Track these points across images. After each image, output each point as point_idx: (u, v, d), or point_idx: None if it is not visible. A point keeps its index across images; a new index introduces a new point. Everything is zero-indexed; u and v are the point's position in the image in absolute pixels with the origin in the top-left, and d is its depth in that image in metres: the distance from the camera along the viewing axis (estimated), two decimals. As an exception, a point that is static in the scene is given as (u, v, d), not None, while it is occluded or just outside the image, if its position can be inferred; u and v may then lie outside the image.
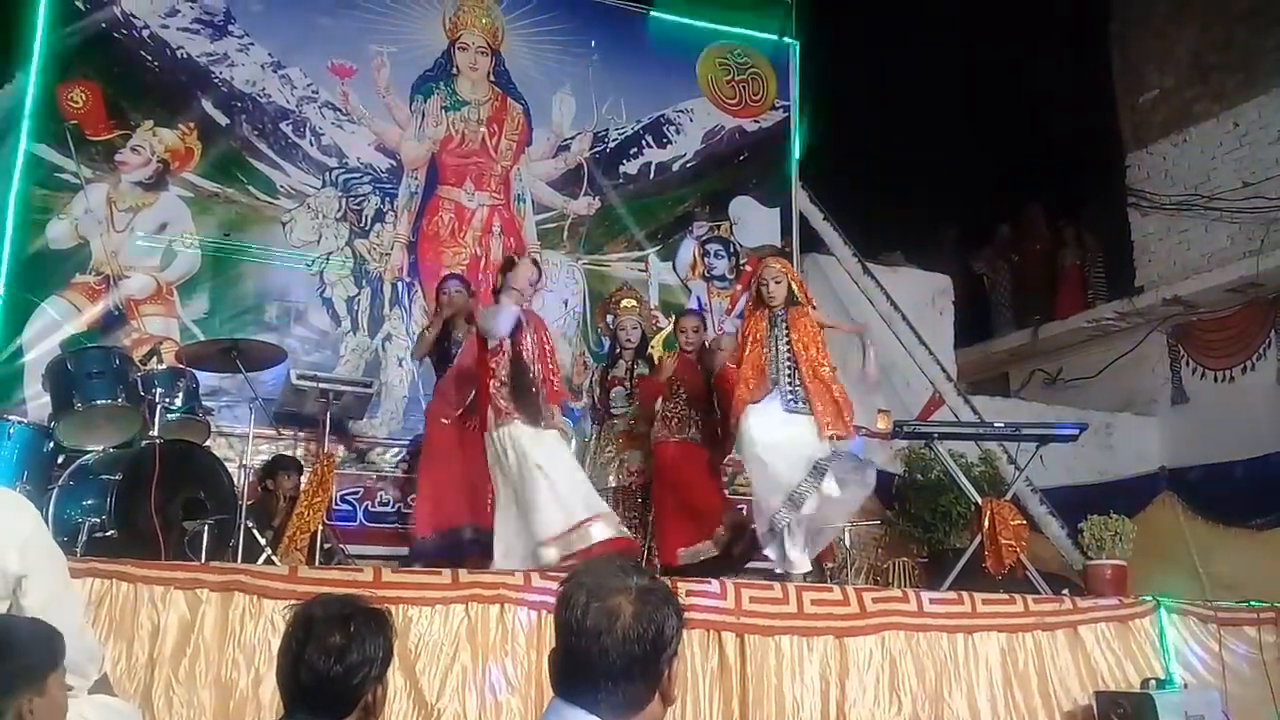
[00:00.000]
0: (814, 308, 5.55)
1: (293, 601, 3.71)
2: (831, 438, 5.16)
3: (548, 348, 5.39)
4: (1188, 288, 9.84)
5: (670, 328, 7.01)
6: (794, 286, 5.47)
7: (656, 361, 6.35)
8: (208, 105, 7.37)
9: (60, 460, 4.93)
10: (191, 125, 7.27)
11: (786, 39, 9.39)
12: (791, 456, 5.11)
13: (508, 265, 5.39)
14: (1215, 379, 9.82)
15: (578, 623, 1.71)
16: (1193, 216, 10.07)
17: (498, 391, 5.07)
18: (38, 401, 5.78)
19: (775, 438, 5.15)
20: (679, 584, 4.37)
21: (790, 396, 5.23)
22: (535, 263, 5.61)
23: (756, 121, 9.15)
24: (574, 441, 6.57)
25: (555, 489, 4.88)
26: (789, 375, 5.25)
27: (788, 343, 5.29)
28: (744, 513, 6.07)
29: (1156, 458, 9.66)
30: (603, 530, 4.85)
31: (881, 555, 7.86)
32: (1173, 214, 10.26)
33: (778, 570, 5.26)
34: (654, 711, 1.73)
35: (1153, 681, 4.97)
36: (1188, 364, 10.08)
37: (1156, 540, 7.86)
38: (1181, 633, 5.39)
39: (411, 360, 7.01)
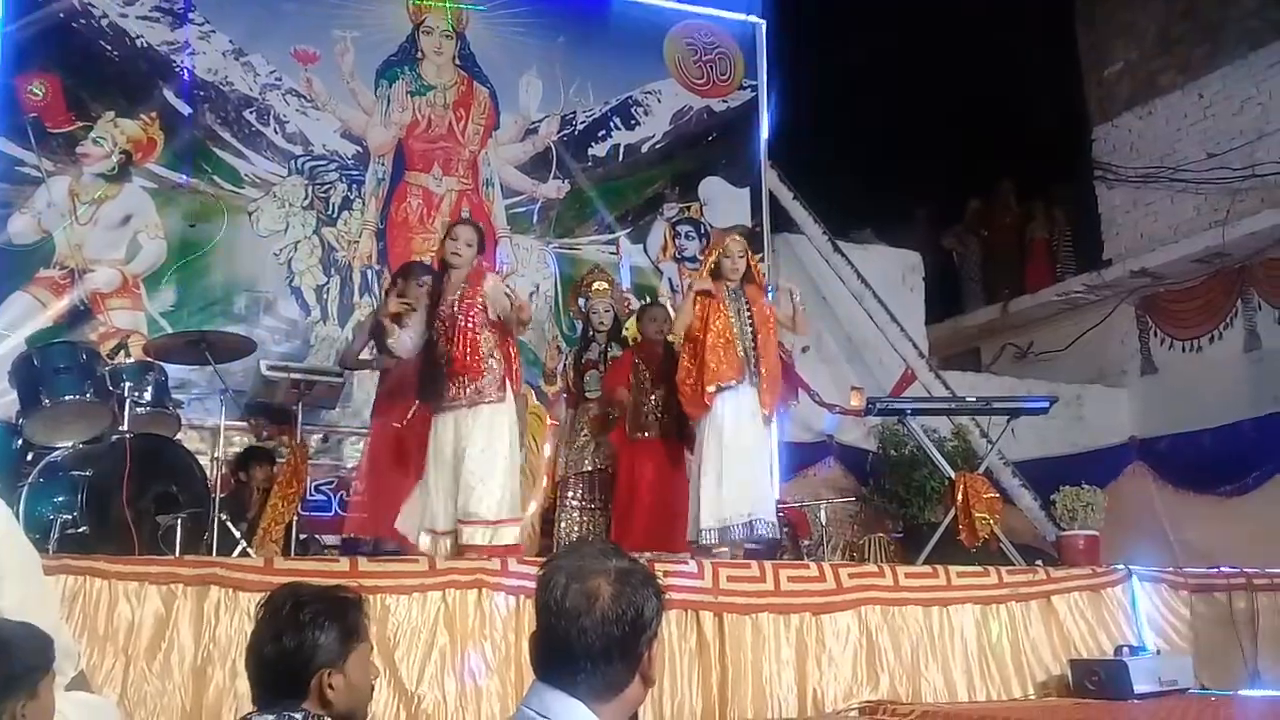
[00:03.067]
0: (764, 290, 5.70)
1: (268, 594, 3.73)
2: (766, 414, 5.38)
3: (470, 323, 4.91)
4: (1155, 259, 9.92)
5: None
6: (751, 266, 5.60)
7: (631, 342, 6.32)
8: (169, 94, 7.30)
9: (29, 457, 4.86)
10: (153, 115, 7.21)
11: (753, 18, 9.37)
12: (746, 471, 5.21)
13: (447, 232, 5.26)
14: (1183, 349, 9.93)
15: (556, 604, 1.71)
16: (1159, 188, 10.15)
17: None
18: (4, 399, 5.70)
19: (743, 441, 5.24)
20: (655, 564, 4.38)
21: (752, 370, 5.36)
22: (462, 225, 5.27)
23: (725, 102, 9.14)
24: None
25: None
26: (751, 348, 5.37)
27: (750, 318, 5.41)
28: None
29: (1127, 428, 9.75)
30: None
31: (857, 531, 7.94)
32: (1139, 186, 10.34)
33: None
34: (634, 693, 1.72)
35: (1126, 649, 5.02)
36: (1156, 335, 10.19)
37: (1128, 509, 7.95)
38: (1153, 600, 5.45)
39: (341, 366, 6.30)
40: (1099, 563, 5.87)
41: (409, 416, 5.30)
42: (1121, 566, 5.53)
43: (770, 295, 6.04)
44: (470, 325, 4.83)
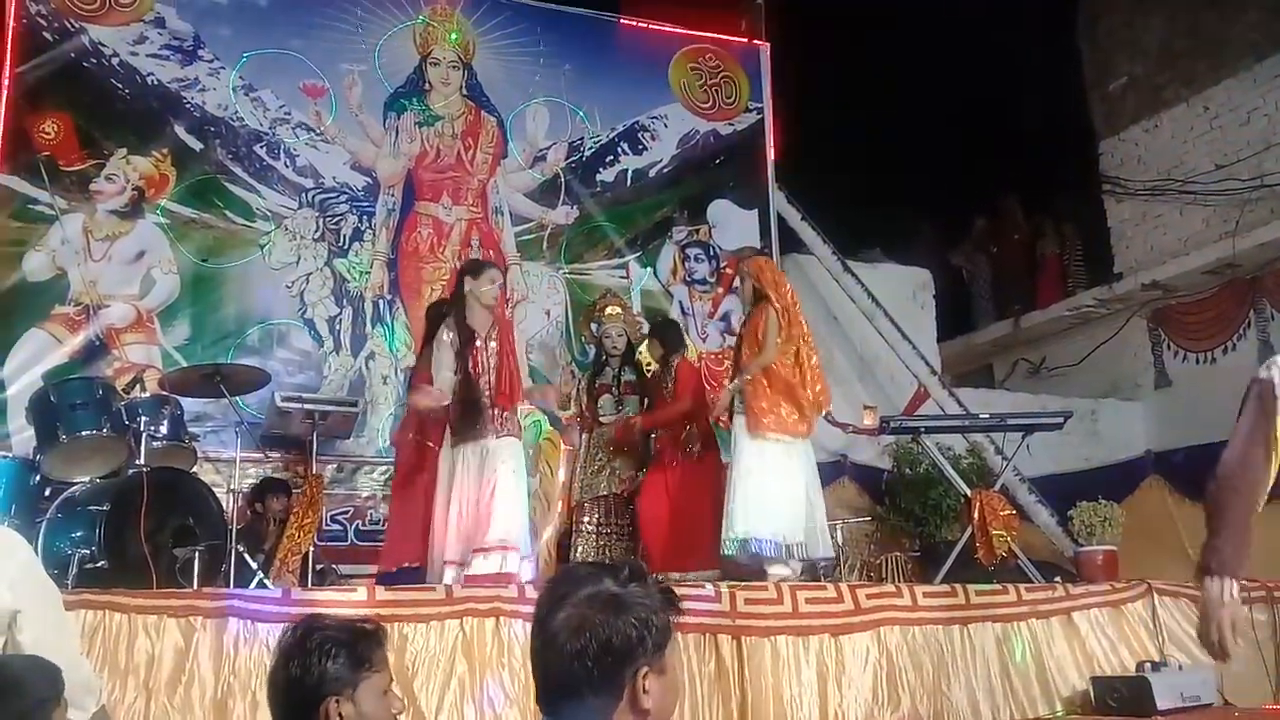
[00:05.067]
0: (775, 304, 5.58)
1: (287, 624, 3.74)
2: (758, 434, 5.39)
3: (506, 356, 5.26)
4: (1165, 272, 9.90)
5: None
6: (757, 285, 5.63)
7: (646, 367, 6.37)
8: (180, 131, 7.35)
9: (47, 493, 4.90)
10: (165, 152, 7.26)
11: (757, 41, 9.44)
12: (746, 492, 5.29)
13: (470, 269, 5.37)
14: (1197, 361, 9.89)
15: (534, 631, 1.69)
16: (1167, 201, 10.15)
17: (453, 410, 5.07)
18: (22, 435, 5.75)
19: (742, 463, 5.38)
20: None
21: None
22: (493, 267, 5.53)
23: (731, 124, 9.19)
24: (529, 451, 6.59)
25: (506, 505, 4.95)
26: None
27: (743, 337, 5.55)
28: None
29: (1142, 442, 9.70)
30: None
31: (874, 551, 7.89)
32: (1147, 199, 10.33)
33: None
34: None
35: (1148, 664, 4.99)
36: (1169, 347, 10.15)
37: (1145, 524, 7.90)
38: (1174, 614, 5.41)
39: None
40: (1118, 578, 5.84)
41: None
42: (1142, 581, 5.50)
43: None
44: (510, 359, 5.16)
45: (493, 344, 5.15)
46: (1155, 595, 5.41)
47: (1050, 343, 11.05)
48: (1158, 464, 9.08)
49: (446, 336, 5.11)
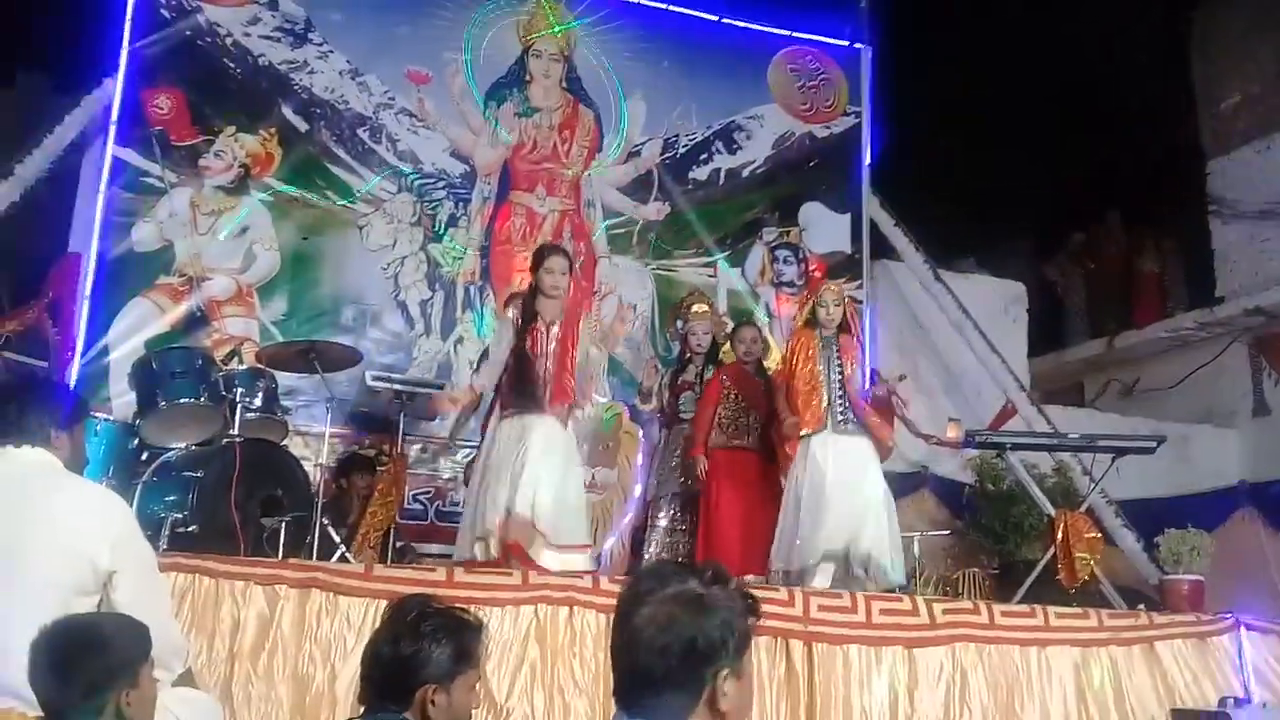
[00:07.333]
0: (856, 339, 5.73)
1: (368, 599, 3.83)
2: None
3: (568, 344, 5.18)
4: (1271, 298, 9.59)
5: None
6: (847, 315, 5.64)
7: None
8: (288, 112, 7.53)
9: (144, 457, 5.06)
10: (272, 131, 7.44)
11: (859, 44, 9.34)
12: (844, 505, 5.24)
13: (537, 258, 5.31)
14: (1298, 391, 9.56)
15: (617, 626, 1.72)
16: (1276, 225, 9.81)
17: (504, 382, 5.11)
18: (122, 399, 5.95)
19: (838, 477, 5.30)
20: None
21: (840, 418, 5.40)
22: (564, 253, 5.43)
23: (828, 127, 9.11)
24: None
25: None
26: (840, 398, 5.42)
27: (839, 366, 5.46)
28: None
29: (1236, 472, 9.40)
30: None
31: (951, 565, 7.77)
32: (1255, 222, 10.01)
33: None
34: None
35: (1231, 700, 4.85)
36: (1269, 375, 9.82)
37: (1234, 556, 7.66)
38: (1261, 651, 5.26)
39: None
40: (1203, 609, 5.69)
41: None
42: (1229, 615, 5.35)
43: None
44: (568, 352, 5.08)
45: (555, 330, 5.10)
46: (1243, 630, 5.26)
47: (1144, 364, 10.75)
48: (1252, 495, 8.79)
49: (510, 314, 5.21)
